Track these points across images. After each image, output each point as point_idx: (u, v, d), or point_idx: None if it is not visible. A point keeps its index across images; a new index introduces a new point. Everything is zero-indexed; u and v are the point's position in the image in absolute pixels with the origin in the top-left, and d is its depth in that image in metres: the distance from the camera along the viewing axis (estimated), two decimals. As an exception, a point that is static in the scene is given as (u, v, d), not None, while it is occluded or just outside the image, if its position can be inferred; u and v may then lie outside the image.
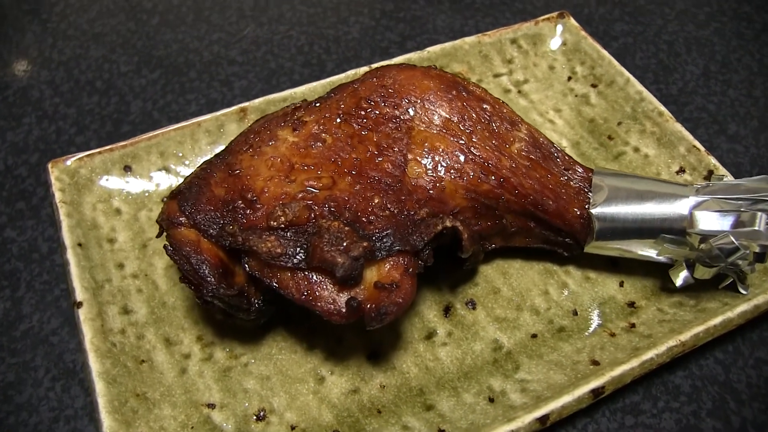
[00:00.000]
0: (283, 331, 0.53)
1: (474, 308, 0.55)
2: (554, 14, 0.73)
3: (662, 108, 0.65)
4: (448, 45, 0.69)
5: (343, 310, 0.45)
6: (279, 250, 0.45)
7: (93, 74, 0.73)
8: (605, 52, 0.70)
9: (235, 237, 0.46)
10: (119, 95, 0.71)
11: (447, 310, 0.55)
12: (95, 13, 0.80)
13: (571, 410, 0.47)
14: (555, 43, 0.72)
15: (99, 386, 0.46)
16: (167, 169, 0.61)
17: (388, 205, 0.49)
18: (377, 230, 0.47)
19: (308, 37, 0.78)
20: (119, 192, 0.59)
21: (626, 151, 0.65)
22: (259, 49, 0.76)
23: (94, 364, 0.47)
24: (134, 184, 0.60)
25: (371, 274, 0.46)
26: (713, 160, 0.61)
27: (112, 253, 0.56)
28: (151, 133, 0.61)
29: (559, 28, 0.72)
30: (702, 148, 0.61)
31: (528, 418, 0.46)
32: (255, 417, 0.49)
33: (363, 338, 0.53)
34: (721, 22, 0.83)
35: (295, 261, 0.45)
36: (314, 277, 0.46)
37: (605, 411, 0.51)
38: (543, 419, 0.46)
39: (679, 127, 0.63)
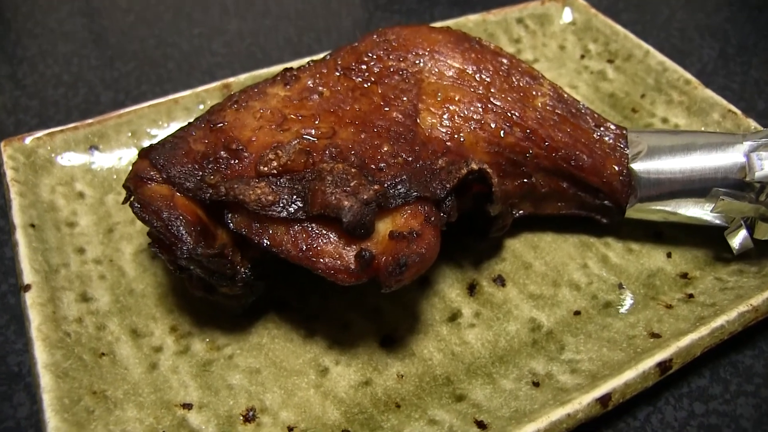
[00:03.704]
0: (275, 317, 0.44)
1: (503, 285, 0.46)
2: (560, -6, 0.68)
3: (689, 76, 0.59)
4: (450, 22, 0.64)
5: (352, 266, 0.36)
6: (271, 198, 0.37)
7: (60, 68, 0.66)
8: (619, 27, 0.64)
9: (217, 187, 0.38)
10: (88, 87, 0.64)
11: (472, 289, 0.46)
12: (65, 13, 0.74)
13: (635, 389, 0.38)
14: (563, 22, 0.67)
15: (45, 380, 0.37)
16: (139, 149, 0.53)
17: (401, 153, 0.41)
18: (389, 177, 0.39)
19: (297, 29, 0.72)
20: (83, 174, 0.51)
21: (654, 123, 0.58)
22: (243, 41, 0.70)
23: (41, 354, 0.38)
24: (101, 166, 0.52)
25: (385, 226, 0.38)
26: (753, 123, 0.54)
27: (71, 236, 0.47)
28: (121, 111, 0.53)
29: (567, 8, 0.67)
30: (738, 111, 0.55)
31: (586, 398, 0.37)
32: (242, 417, 0.39)
33: (374, 322, 0.44)
34: (731, 11, 0.78)
35: (290, 210, 0.37)
36: (315, 229, 0.37)
37: (669, 398, 0.42)
38: (604, 400, 0.37)
39: (709, 92, 0.57)
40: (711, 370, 0.44)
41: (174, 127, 0.54)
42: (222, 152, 0.41)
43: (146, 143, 0.53)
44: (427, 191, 0.39)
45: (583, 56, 0.65)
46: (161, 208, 0.38)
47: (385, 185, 0.39)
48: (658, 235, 0.50)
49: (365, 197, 0.36)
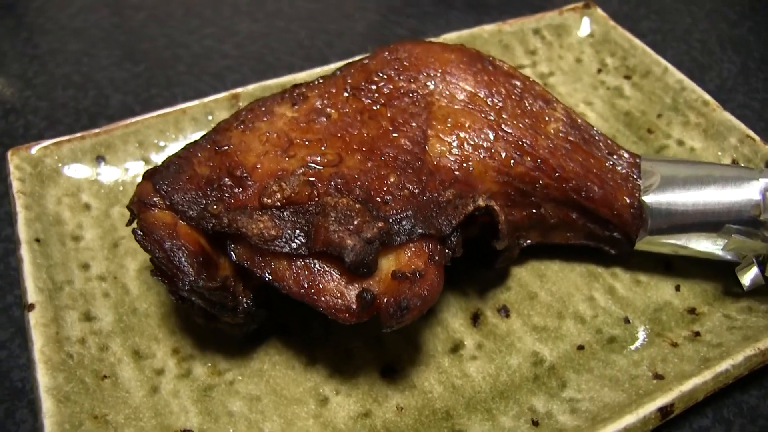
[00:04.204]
0: (277, 342, 0.44)
1: (507, 316, 0.46)
2: (579, 4, 0.66)
3: (707, 97, 0.58)
4: (465, 32, 0.62)
5: (353, 306, 0.36)
6: (273, 232, 0.37)
7: (70, 68, 0.66)
8: (638, 42, 0.63)
9: (220, 218, 0.38)
10: (98, 88, 0.64)
11: (475, 319, 0.46)
12: (76, 8, 0.73)
13: (635, 434, 0.38)
14: (581, 34, 0.65)
15: (47, 405, 0.37)
16: (147, 161, 0.53)
17: (407, 185, 0.41)
18: (395, 211, 0.39)
19: (309, 32, 0.71)
20: (90, 186, 0.51)
21: (669, 145, 0.57)
22: (254, 43, 0.69)
23: (43, 377, 0.38)
24: (107, 177, 0.52)
25: (388, 264, 0.37)
26: (772, 151, 0.53)
27: (76, 251, 0.47)
28: (128, 121, 0.53)
29: (585, 19, 0.66)
30: (757, 138, 0.54)
31: (585, 443, 0.36)
32: (242, 446, 0.39)
33: (375, 351, 0.43)
34: (755, 21, 0.76)
35: (293, 245, 0.37)
36: (317, 266, 0.37)
37: (670, 439, 0.42)
38: (603, 445, 0.37)
39: (727, 116, 0.56)
40: (714, 410, 0.43)
41: (181, 138, 0.53)
42: (226, 179, 0.40)
43: (153, 155, 0.53)
44: (433, 228, 0.38)
45: (600, 70, 0.63)
46: (164, 238, 0.38)
47: (390, 220, 0.38)
48: (667, 266, 0.49)
49: (368, 236, 0.36)
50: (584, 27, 0.65)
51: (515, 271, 0.48)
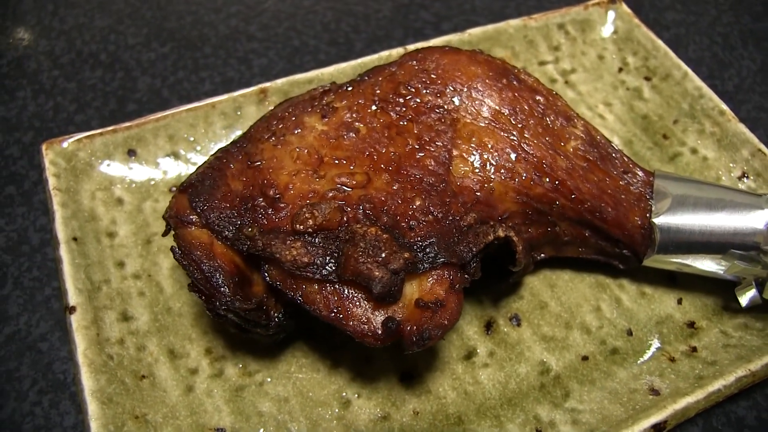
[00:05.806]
0: (304, 346, 0.47)
1: (519, 325, 0.49)
2: (605, -2, 0.66)
3: (723, 106, 0.58)
4: (490, 28, 0.62)
5: (379, 332, 0.39)
6: (306, 260, 0.39)
7: (97, 46, 0.66)
8: (660, 43, 0.63)
9: (255, 241, 0.40)
10: (125, 70, 0.64)
11: (489, 327, 0.49)
12: (100, -21, 0.73)
13: (630, 449, 0.41)
14: (605, 30, 0.66)
15: (92, 407, 0.41)
16: (176, 155, 0.54)
17: (432, 209, 0.43)
18: (419, 238, 0.41)
19: (335, 14, 0.71)
20: (122, 179, 0.53)
21: (683, 152, 0.58)
22: (280, 24, 0.70)
23: (88, 381, 0.41)
24: (139, 171, 0.54)
25: (411, 290, 0.40)
26: (783, 167, 0.54)
27: (111, 249, 0.49)
28: (159, 114, 0.54)
29: (611, 14, 0.66)
30: (769, 153, 0.55)
31: (583, 458, 0.40)
32: (270, 444, 0.43)
33: (395, 358, 0.47)
34: (780, 14, 0.76)
35: (324, 272, 0.39)
36: (346, 292, 0.39)
37: (661, 446, 0.46)
38: (600, 459, 0.40)
39: (742, 127, 0.57)
40: (704, 419, 0.47)
41: (210, 133, 0.55)
42: (259, 199, 0.42)
43: (183, 150, 0.54)
44: (455, 256, 0.41)
45: (621, 69, 0.64)
46: (201, 259, 0.40)
47: (415, 248, 0.40)
48: (672, 279, 0.52)
49: (395, 267, 0.38)
50: (608, 23, 0.65)
51: (528, 280, 0.51)
